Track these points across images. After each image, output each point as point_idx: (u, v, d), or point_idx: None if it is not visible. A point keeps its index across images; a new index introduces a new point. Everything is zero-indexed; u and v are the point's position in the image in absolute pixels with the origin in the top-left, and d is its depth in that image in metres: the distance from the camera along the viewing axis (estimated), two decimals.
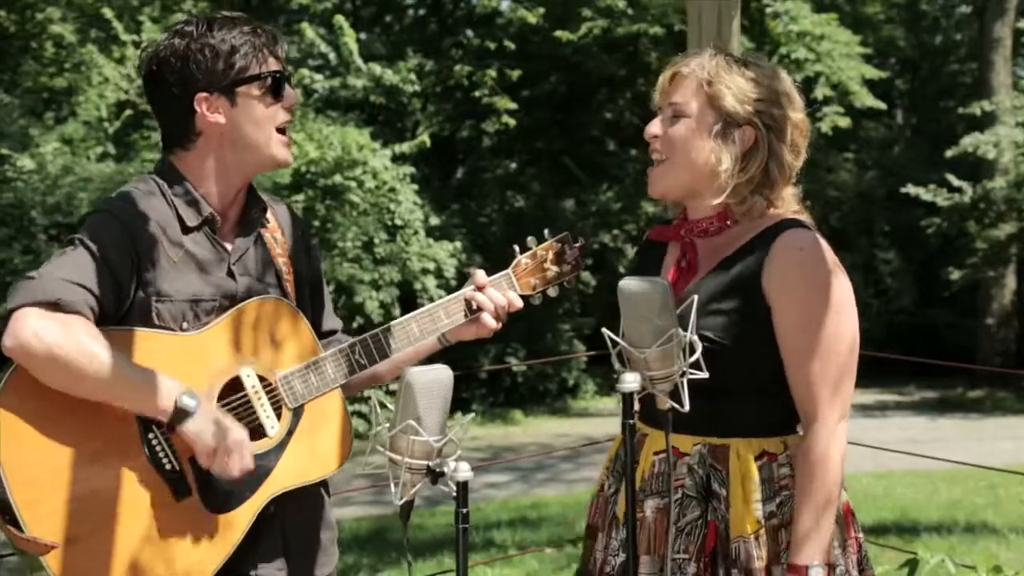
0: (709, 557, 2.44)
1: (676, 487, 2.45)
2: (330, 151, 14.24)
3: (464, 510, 2.06)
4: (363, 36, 16.48)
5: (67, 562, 2.30)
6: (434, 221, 15.95)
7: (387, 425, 2.15)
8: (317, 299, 2.74)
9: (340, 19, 15.26)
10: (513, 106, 15.46)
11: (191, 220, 2.52)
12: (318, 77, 15.97)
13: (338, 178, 14.14)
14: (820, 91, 16.36)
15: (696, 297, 2.19)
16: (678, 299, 2.35)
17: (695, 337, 2.16)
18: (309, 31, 16.05)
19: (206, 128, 2.53)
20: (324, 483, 2.68)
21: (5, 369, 2.36)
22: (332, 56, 16.15)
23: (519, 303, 2.72)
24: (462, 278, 16.21)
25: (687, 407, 2.16)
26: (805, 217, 2.56)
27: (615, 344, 2.18)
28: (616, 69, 18.19)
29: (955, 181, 17.55)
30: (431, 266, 14.94)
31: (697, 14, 3.77)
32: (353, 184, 14.25)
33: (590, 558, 2.65)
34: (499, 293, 2.69)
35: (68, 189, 13.70)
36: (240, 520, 2.47)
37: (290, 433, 2.53)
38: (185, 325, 2.47)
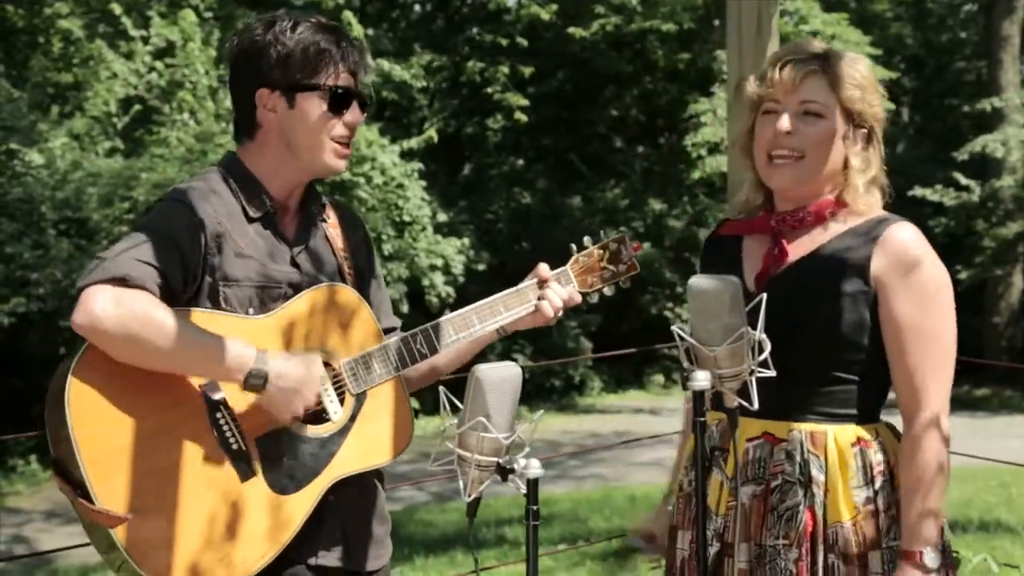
0: (810, 543, 2.46)
1: (775, 473, 2.48)
2: None
3: (535, 507, 2.07)
4: (370, 32, 16.44)
5: (134, 535, 2.33)
6: (442, 217, 15.94)
7: (455, 421, 2.16)
8: (375, 297, 2.76)
9: (348, 15, 15.22)
10: (525, 103, 15.46)
11: (254, 211, 2.56)
12: None
13: (346, 174, 14.14)
14: None
15: (764, 296, 2.20)
16: (766, 286, 2.42)
17: (763, 336, 2.17)
18: None
19: (264, 123, 2.57)
20: (380, 475, 2.71)
21: (77, 347, 2.38)
22: None
23: (578, 298, 2.77)
24: (470, 275, 16.27)
25: (756, 405, 2.17)
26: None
27: (684, 341, 2.18)
28: (623, 66, 18.18)
29: (963, 179, 17.56)
30: (439, 262, 14.93)
31: (737, 10, 3.76)
32: (361, 180, 14.24)
33: (673, 560, 2.67)
34: (560, 288, 2.73)
35: (77, 184, 13.69)
36: (302, 503, 2.49)
37: (352, 419, 2.56)
38: (251, 311, 2.50)
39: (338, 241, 2.70)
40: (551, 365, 17.14)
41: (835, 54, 2.58)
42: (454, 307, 15.47)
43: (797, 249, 2.57)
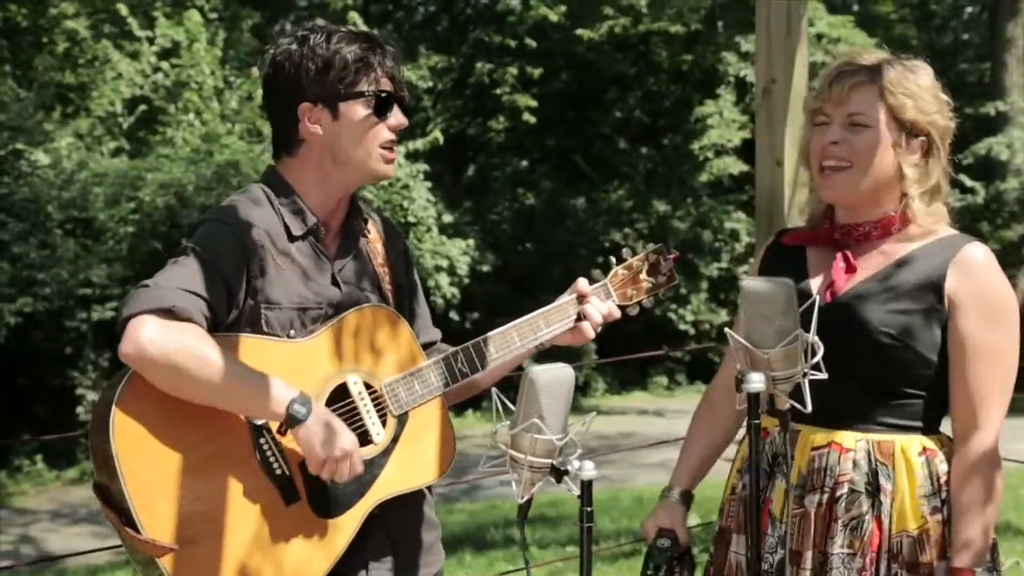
0: (876, 552, 2.47)
1: (841, 482, 2.49)
2: None
3: (588, 508, 2.07)
4: (375, 33, 16.42)
5: (181, 564, 2.33)
6: (447, 219, 15.93)
7: (507, 423, 2.15)
8: (416, 310, 2.75)
9: (354, 16, 15.22)
10: (534, 104, 15.47)
11: (297, 229, 2.54)
12: None
13: None
14: None
15: (817, 298, 2.20)
16: (838, 298, 2.45)
17: (816, 339, 2.17)
18: None
19: (308, 138, 2.55)
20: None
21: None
22: None
23: (617, 313, 2.75)
24: (475, 276, 16.26)
25: (810, 408, 2.18)
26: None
27: (737, 343, 2.18)
28: (627, 68, 18.19)
29: (968, 182, 17.57)
30: (444, 263, 14.93)
31: (766, 13, 3.75)
32: None
33: (724, 562, 2.68)
34: (600, 303, 2.72)
35: (83, 184, 13.70)
36: (347, 525, 2.49)
37: (395, 440, 2.55)
38: (292, 332, 2.49)
39: (378, 256, 2.69)
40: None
41: (889, 63, 2.57)
42: (459, 309, 15.49)
43: (867, 263, 2.58)
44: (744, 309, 2.18)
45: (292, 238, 2.53)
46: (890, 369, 2.40)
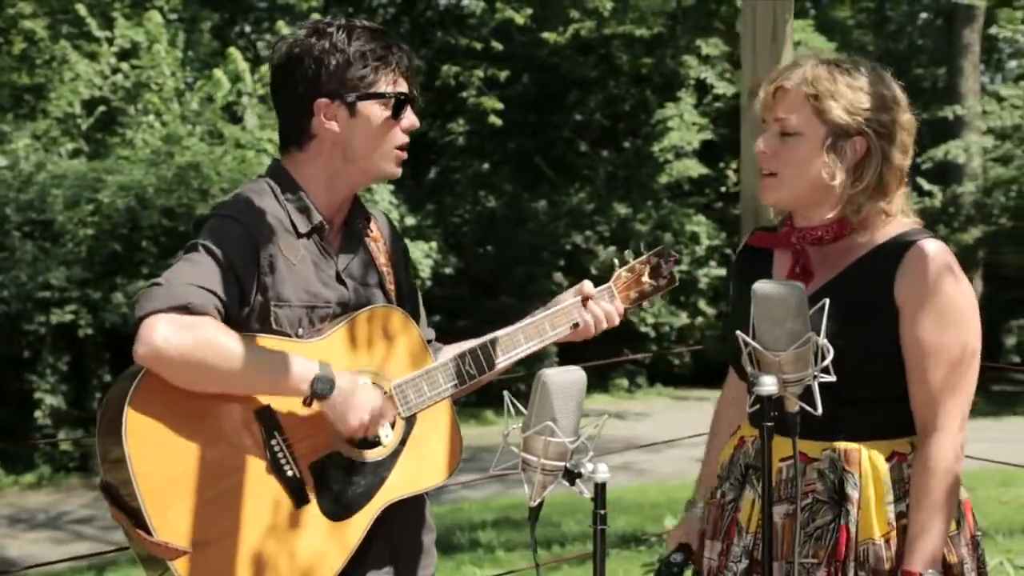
0: (840, 562, 2.45)
1: (806, 492, 2.47)
2: None
3: (602, 511, 2.06)
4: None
5: (193, 567, 2.30)
6: (409, 221, 15.90)
7: (518, 426, 2.15)
8: (414, 309, 2.74)
9: (317, 17, 15.17)
10: (500, 106, 15.47)
11: (303, 226, 2.52)
12: None
13: None
14: None
15: (828, 301, 2.19)
16: None
17: (826, 341, 2.17)
18: (285, 29, 15.95)
19: (321, 133, 2.52)
20: None
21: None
22: None
23: (618, 318, 2.77)
24: (436, 278, 16.24)
25: (820, 410, 2.17)
26: (918, 223, 2.58)
27: (747, 346, 2.18)
28: (589, 71, 18.23)
29: (925, 185, 17.77)
30: None
31: (751, 14, 3.78)
32: None
33: (702, 569, 2.68)
34: (604, 306, 2.74)
35: (41, 186, 13.57)
36: (356, 528, 2.47)
37: (403, 442, 2.54)
38: (301, 331, 2.47)
39: (381, 255, 2.67)
40: (516, 368, 17.09)
41: (818, 66, 2.51)
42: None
43: (824, 270, 2.54)
44: (755, 312, 2.17)
45: (299, 235, 2.51)
46: (849, 377, 2.30)
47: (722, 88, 17.46)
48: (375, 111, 2.52)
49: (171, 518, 2.30)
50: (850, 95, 2.48)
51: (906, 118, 2.54)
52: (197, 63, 15.68)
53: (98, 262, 13.47)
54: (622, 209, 18.12)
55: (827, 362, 2.15)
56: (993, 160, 17.70)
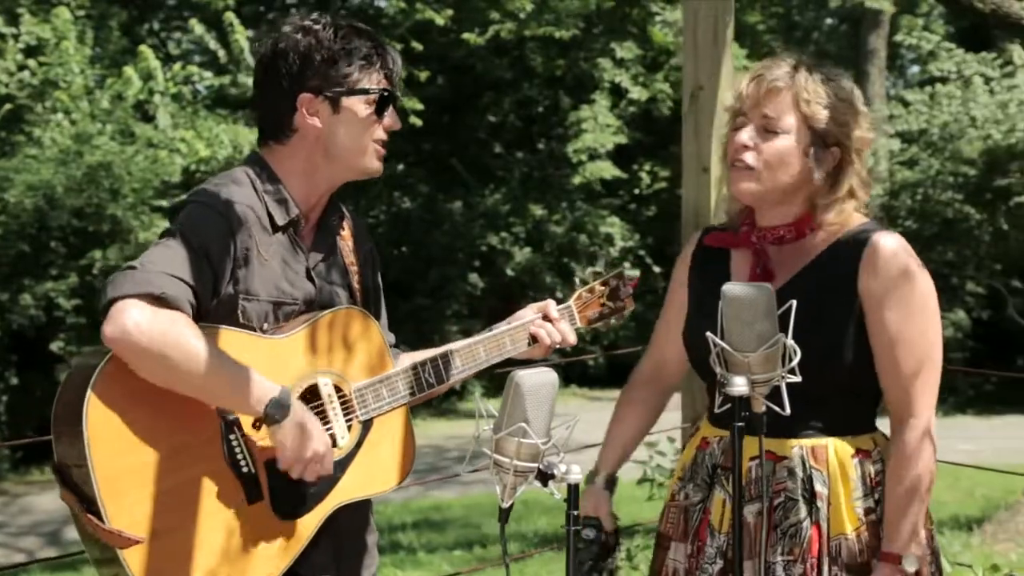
0: (816, 558, 2.50)
1: (778, 491, 2.51)
2: (221, 150, 14.02)
3: (575, 512, 2.07)
4: (250, 33, 16.22)
5: (142, 557, 2.28)
6: None
7: (489, 427, 2.15)
8: (377, 312, 2.74)
9: (231, 16, 15.02)
10: (420, 107, 15.43)
11: (280, 218, 2.51)
12: (207, 74, 15.70)
13: None
14: None
15: (795, 302, 2.23)
16: None
17: (793, 343, 2.21)
18: (197, 27, 15.76)
19: (303, 128, 2.52)
20: None
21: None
22: (222, 53, 15.85)
23: (573, 340, 2.81)
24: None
25: (788, 410, 2.21)
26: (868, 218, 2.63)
27: (716, 347, 2.21)
28: (504, 72, 18.27)
29: None
30: None
31: (693, 17, 3.82)
32: None
33: (661, 568, 2.70)
34: (561, 326, 2.78)
35: None
36: (306, 528, 2.47)
37: (359, 445, 2.54)
38: (266, 326, 2.46)
39: (349, 255, 2.67)
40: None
41: (809, 70, 2.57)
42: None
43: (784, 269, 2.59)
44: (725, 313, 2.20)
45: (275, 228, 2.50)
46: (815, 375, 2.35)
47: (636, 93, 17.58)
48: (359, 108, 2.53)
49: (125, 507, 2.28)
50: (838, 106, 2.55)
51: (870, 137, 2.61)
52: (107, 60, 15.41)
53: (5, 263, 13.19)
54: (537, 210, 18.17)
55: (795, 363, 2.19)
56: (900, 163, 18.05)
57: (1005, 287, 18.13)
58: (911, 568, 2.46)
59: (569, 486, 2.10)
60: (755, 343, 2.17)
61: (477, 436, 2.15)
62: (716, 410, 2.27)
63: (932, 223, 17.51)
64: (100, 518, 2.26)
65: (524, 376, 2.12)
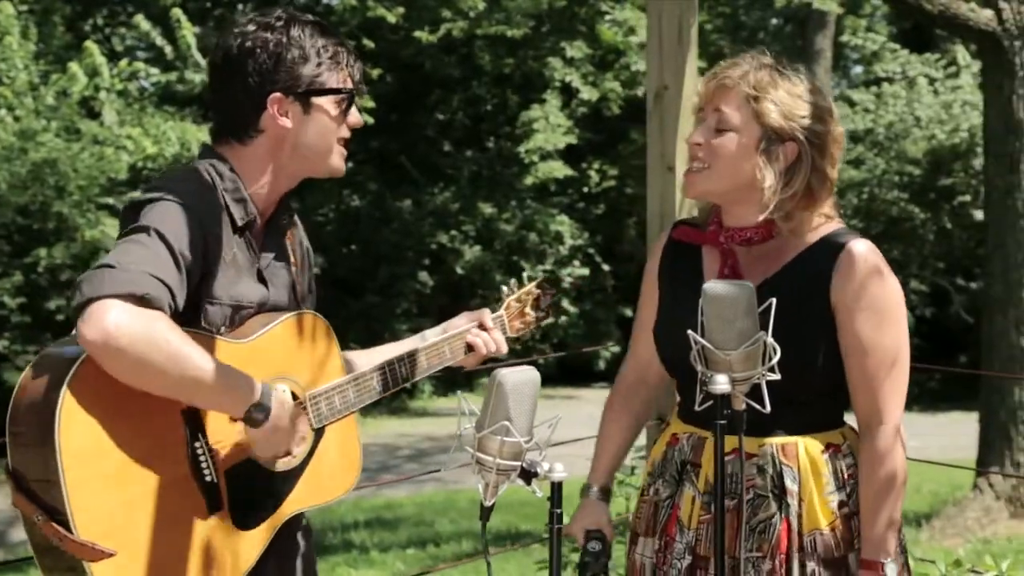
0: (784, 554, 2.52)
1: (748, 487, 2.53)
2: (168, 147, 13.88)
3: (558, 511, 2.07)
4: (197, 31, 16.06)
5: (108, 570, 2.20)
6: None
7: (471, 426, 2.15)
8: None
9: (178, 12, 14.85)
10: (372, 105, 15.35)
11: (240, 218, 2.45)
12: (153, 71, 15.54)
13: None
14: None
15: (775, 301, 2.24)
16: None
17: (773, 340, 2.23)
18: (143, 23, 15.59)
19: (270, 128, 2.47)
20: None
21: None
22: (168, 50, 15.70)
23: (505, 349, 2.86)
24: None
25: (768, 408, 2.22)
26: (841, 223, 2.64)
27: (697, 344, 2.22)
28: (453, 70, 18.25)
29: None
30: None
31: (657, 17, 3.82)
32: None
33: (630, 563, 2.73)
34: (495, 335, 2.83)
35: None
36: (259, 538, 2.44)
37: (311, 453, 2.51)
38: (223, 329, 2.41)
39: (294, 256, 2.62)
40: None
41: (760, 68, 2.56)
42: None
43: (756, 271, 2.59)
44: (706, 311, 2.21)
45: (235, 228, 2.45)
46: (785, 376, 2.33)
47: (587, 93, 17.62)
48: (329, 107, 2.49)
49: (93, 516, 2.18)
50: (788, 101, 2.53)
51: (839, 132, 2.60)
52: (51, 56, 15.18)
53: None
54: (487, 209, 18.19)
55: (775, 361, 2.20)
56: (846, 163, 18.24)
57: (950, 285, 18.39)
58: (892, 574, 2.50)
59: (553, 484, 2.09)
60: (736, 341, 2.18)
61: (459, 435, 2.14)
62: (697, 408, 2.27)
63: (878, 222, 17.73)
64: (67, 528, 2.15)
65: (507, 374, 2.11)
